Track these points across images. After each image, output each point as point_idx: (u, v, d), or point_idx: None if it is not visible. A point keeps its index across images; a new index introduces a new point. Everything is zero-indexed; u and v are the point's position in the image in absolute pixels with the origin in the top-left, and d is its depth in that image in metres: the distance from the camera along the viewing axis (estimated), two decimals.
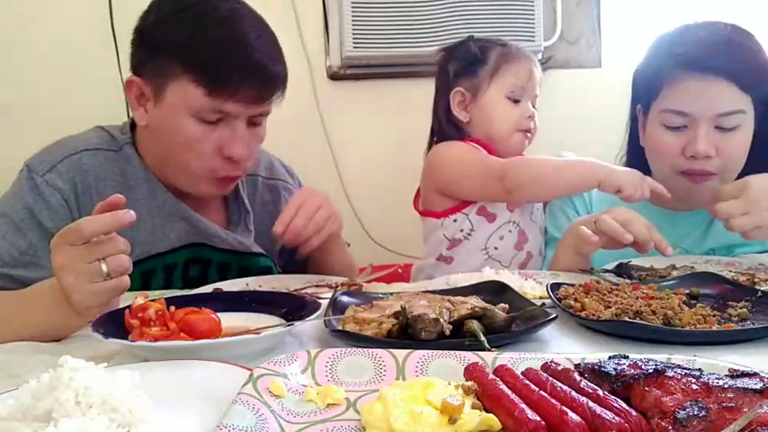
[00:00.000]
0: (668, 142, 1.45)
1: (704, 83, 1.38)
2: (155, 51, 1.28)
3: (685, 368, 0.62)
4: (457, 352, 0.74)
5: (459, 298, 0.97)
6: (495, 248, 1.60)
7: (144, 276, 1.36)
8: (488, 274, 1.26)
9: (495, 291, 1.09)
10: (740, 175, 1.46)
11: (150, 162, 1.39)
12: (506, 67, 1.60)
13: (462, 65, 1.64)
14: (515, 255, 1.60)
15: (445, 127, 1.67)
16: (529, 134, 1.64)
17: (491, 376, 0.66)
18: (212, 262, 1.47)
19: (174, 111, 1.27)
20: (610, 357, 0.68)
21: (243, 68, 1.24)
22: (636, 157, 1.64)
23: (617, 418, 0.55)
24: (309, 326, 0.96)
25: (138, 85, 1.31)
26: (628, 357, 0.67)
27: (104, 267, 0.95)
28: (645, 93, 1.53)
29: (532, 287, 1.20)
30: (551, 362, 0.69)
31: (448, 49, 1.69)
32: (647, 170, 1.63)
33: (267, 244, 1.53)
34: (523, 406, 0.58)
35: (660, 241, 1.26)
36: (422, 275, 1.66)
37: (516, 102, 1.61)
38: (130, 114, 1.43)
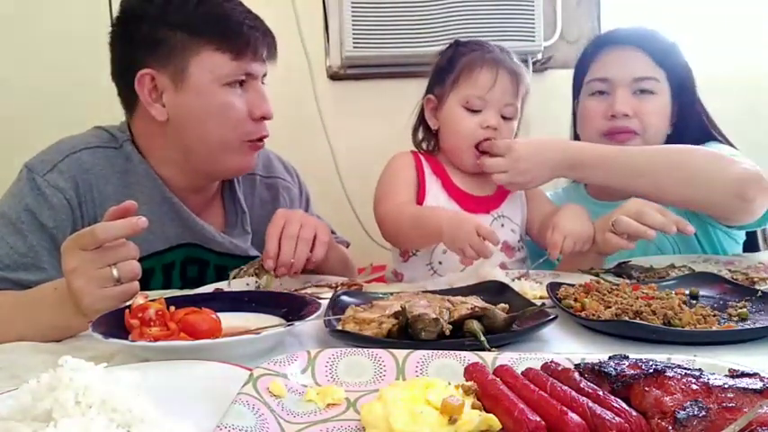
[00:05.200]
0: (593, 107, 1.64)
1: (622, 52, 1.62)
2: (165, 38, 1.30)
3: (685, 368, 0.62)
4: (457, 352, 0.74)
5: (459, 298, 0.97)
6: (440, 263, 1.53)
7: (144, 276, 1.36)
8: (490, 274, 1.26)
9: (495, 291, 1.10)
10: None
11: (157, 161, 1.39)
12: (466, 75, 1.51)
13: (435, 70, 1.60)
14: (462, 269, 1.45)
15: (417, 131, 1.65)
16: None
17: (491, 376, 0.66)
18: (209, 263, 1.47)
19: (203, 86, 1.31)
20: (610, 357, 0.68)
21: (253, 28, 1.34)
22: None
23: (617, 418, 0.55)
24: (309, 326, 0.96)
25: (151, 76, 1.31)
26: (628, 357, 0.67)
27: (115, 273, 0.96)
28: (578, 81, 1.71)
29: (532, 287, 1.20)
30: (551, 362, 0.68)
31: (439, 53, 1.63)
32: None
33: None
34: (523, 406, 0.58)
35: (679, 221, 1.27)
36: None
37: (475, 112, 1.51)
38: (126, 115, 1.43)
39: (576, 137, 1.73)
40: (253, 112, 1.35)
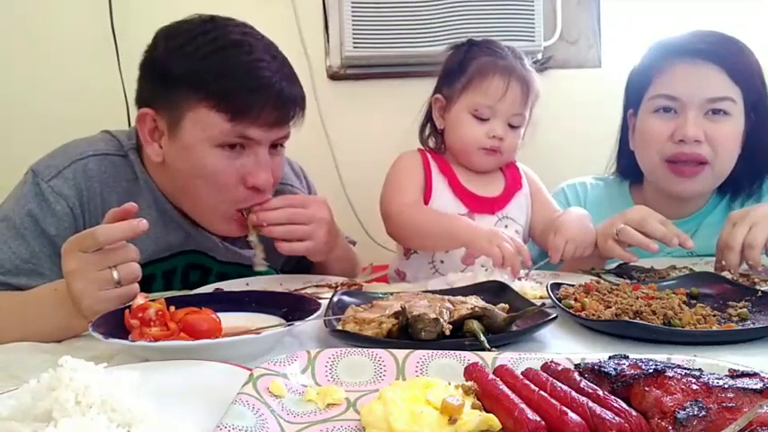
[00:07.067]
0: (657, 126, 1.45)
1: (694, 67, 1.41)
2: (168, 83, 1.23)
3: (685, 368, 0.62)
4: (457, 352, 0.74)
5: (460, 298, 0.98)
6: (442, 262, 1.54)
7: (144, 281, 1.36)
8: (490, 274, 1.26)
9: (495, 291, 1.10)
10: (730, 175, 1.48)
11: (157, 177, 1.36)
12: (478, 82, 1.49)
13: (446, 70, 1.57)
14: (463, 269, 1.43)
15: (425, 128, 1.64)
16: (496, 153, 1.52)
17: (491, 376, 0.66)
18: (212, 270, 1.47)
19: (194, 143, 1.23)
20: (610, 357, 0.68)
21: (263, 92, 1.22)
22: (626, 164, 1.63)
23: (617, 418, 0.55)
24: (309, 326, 0.96)
25: (152, 117, 1.27)
26: (628, 357, 0.67)
27: (115, 275, 0.96)
28: (636, 91, 1.54)
29: (532, 287, 1.20)
30: (551, 362, 0.68)
31: (450, 48, 1.62)
32: (637, 178, 1.62)
33: (272, 252, 1.49)
34: (523, 406, 0.58)
35: (680, 234, 1.25)
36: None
37: (483, 120, 1.50)
38: (132, 117, 1.42)
39: (624, 149, 1.61)
40: (246, 179, 1.26)
